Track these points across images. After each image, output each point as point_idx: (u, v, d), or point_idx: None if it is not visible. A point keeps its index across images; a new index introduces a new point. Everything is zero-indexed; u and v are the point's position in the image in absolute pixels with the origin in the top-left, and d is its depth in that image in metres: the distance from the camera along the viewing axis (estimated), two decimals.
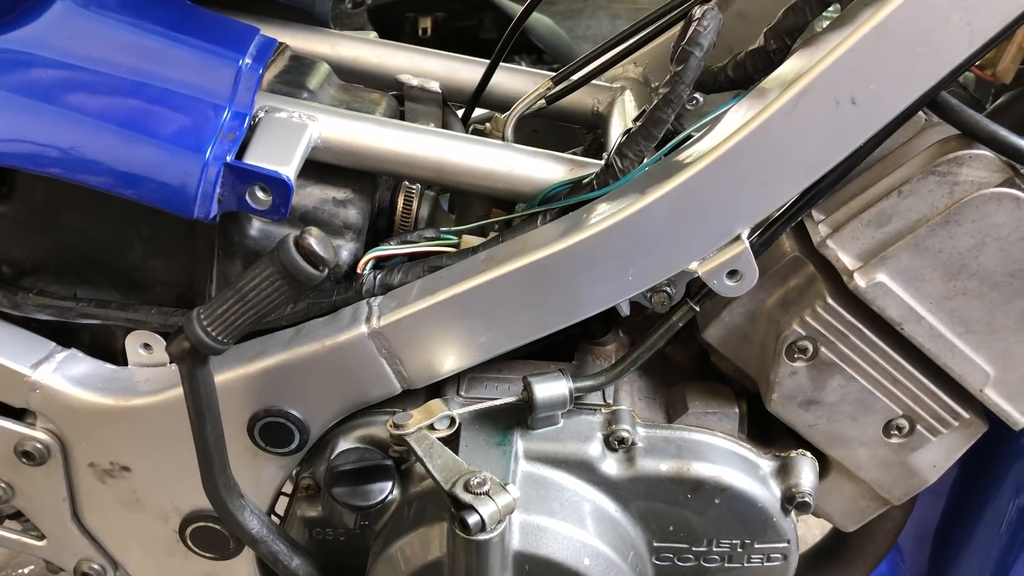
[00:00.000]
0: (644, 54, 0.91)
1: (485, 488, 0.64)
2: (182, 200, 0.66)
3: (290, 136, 0.71)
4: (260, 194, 0.68)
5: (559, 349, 0.81)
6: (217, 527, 0.80)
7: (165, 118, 0.66)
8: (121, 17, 0.68)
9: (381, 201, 0.82)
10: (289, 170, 0.68)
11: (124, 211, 0.74)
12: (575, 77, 0.82)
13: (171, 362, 0.64)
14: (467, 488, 0.64)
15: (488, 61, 0.89)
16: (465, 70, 0.91)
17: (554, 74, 0.84)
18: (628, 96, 0.89)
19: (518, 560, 0.69)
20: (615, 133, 0.84)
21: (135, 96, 0.66)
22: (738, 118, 0.66)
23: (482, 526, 0.63)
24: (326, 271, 0.60)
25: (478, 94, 0.89)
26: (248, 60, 0.69)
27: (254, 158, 0.68)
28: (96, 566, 0.86)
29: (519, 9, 2.43)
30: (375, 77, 0.89)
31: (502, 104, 0.90)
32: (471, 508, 0.63)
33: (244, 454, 0.76)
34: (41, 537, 0.85)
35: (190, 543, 0.82)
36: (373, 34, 0.94)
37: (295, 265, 0.59)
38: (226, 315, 0.61)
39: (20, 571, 1.51)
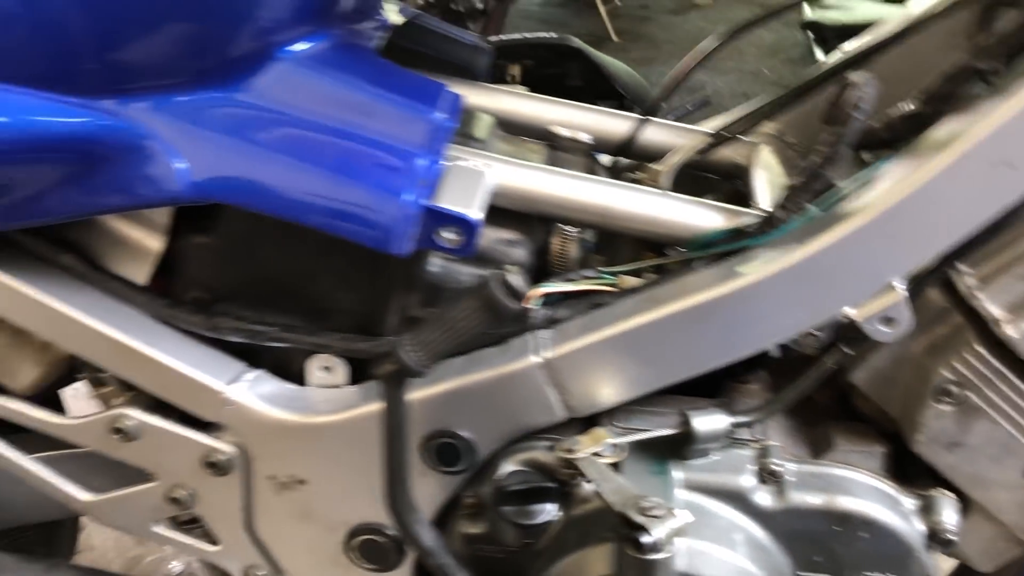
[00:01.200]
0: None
1: (657, 512, 0.69)
2: (384, 237, 0.73)
3: (472, 182, 0.78)
4: (449, 234, 0.75)
5: (698, 386, 0.86)
6: (381, 540, 0.86)
7: (372, 164, 0.73)
8: (331, 74, 0.76)
9: (536, 242, 0.89)
10: (475, 212, 0.75)
11: (317, 246, 0.82)
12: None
13: (378, 380, 0.70)
14: (640, 511, 0.69)
15: (636, 116, 0.95)
16: (611, 123, 0.97)
17: (708, 130, 0.90)
18: (766, 150, 0.95)
19: None
20: (759, 184, 0.89)
21: (346, 144, 0.73)
22: (895, 176, 0.72)
23: (654, 547, 0.68)
24: (521, 306, 0.67)
25: (628, 144, 0.95)
26: (440, 113, 0.77)
27: (444, 202, 0.75)
28: (262, 573, 0.93)
29: (603, 57, 2.50)
30: (528, 128, 0.97)
31: (645, 155, 0.97)
32: (645, 530, 0.68)
33: (414, 473, 0.82)
34: (214, 542, 0.92)
35: (355, 555, 0.88)
36: (524, 88, 1.01)
37: (498, 301, 0.65)
38: (430, 343, 0.68)
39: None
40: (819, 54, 3.79)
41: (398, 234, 0.73)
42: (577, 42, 2.83)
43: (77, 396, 0.97)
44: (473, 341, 0.79)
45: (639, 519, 0.68)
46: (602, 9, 5.27)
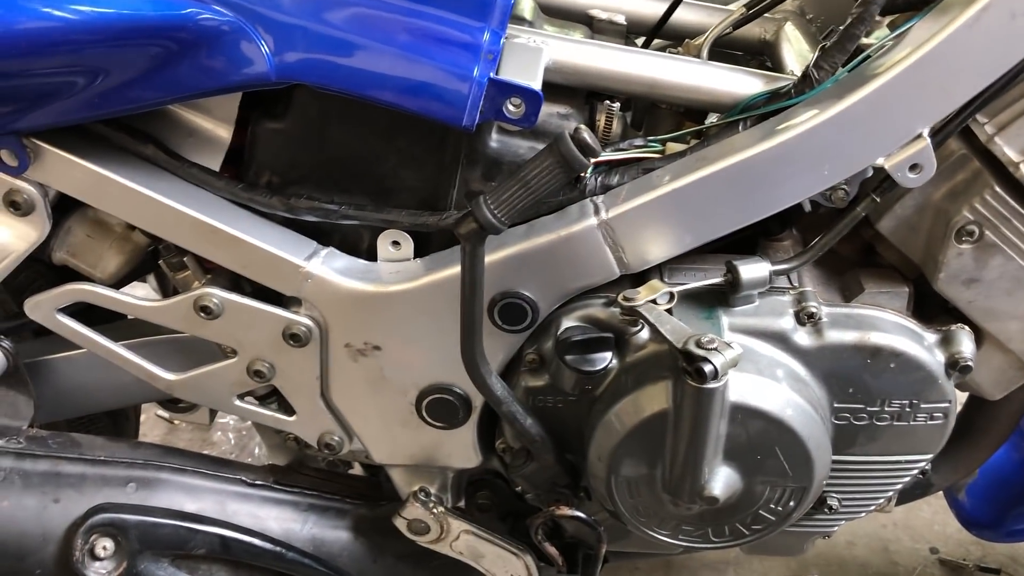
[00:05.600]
0: None
1: (714, 345, 0.77)
2: (454, 111, 0.79)
3: (531, 58, 0.84)
4: (512, 106, 0.81)
5: (737, 248, 0.94)
6: (450, 399, 0.94)
7: (441, 42, 0.79)
8: None
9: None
10: (538, 84, 0.81)
11: (384, 126, 0.88)
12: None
13: (458, 239, 0.77)
14: (699, 345, 0.77)
15: None
16: (645, 5, 1.03)
17: (734, 7, 0.96)
18: (790, 26, 1.01)
19: (732, 410, 0.82)
20: (787, 55, 0.96)
21: (417, 23, 0.78)
22: (923, 33, 0.78)
23: (715, 374, 0.76)
24: (592, 162, 0.73)
25: (660, 25, 1.01)
26: None
27: (507, 75, 0.81)
28: (336, 438, 1.00)
29: None
30: (567, 12, 1.02)
31: (676, 35, 1.03)
32: (705, 360, 0.76)
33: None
34: (291, 413, 1.00)
35: (424, 414, 0.96)
36: None
37: (572, 154, 0.72)
38: (509, 200, 0.74)
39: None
40: None
41: (467, 107, 0.79)
42: None
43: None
44: (545, 200, 0.85)
45: (699, 352, 0.76)
46: None
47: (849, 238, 0.94)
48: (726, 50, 1.05)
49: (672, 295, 0.84)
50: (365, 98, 0.80)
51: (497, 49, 0.81)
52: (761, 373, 0.84)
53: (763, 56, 1.03)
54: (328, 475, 1.12)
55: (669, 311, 0.85)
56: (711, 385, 0.77)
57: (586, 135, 0.72)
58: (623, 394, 0.86)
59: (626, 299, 0.83)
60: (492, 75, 0.80)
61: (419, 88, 0.79)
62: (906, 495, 1.14)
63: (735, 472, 0.85)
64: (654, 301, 0.84)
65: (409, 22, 0.79)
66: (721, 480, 0.84)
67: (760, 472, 0.85)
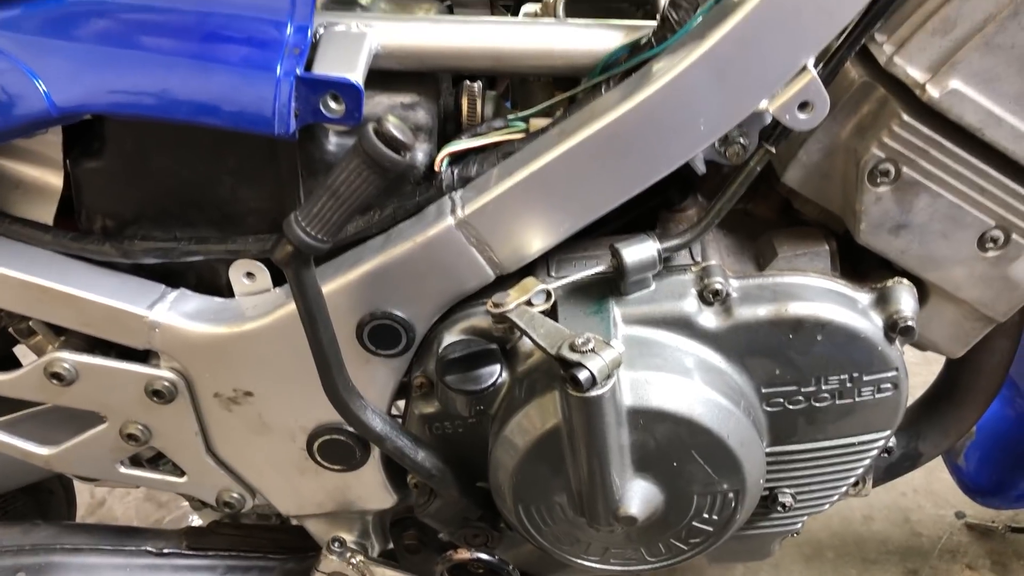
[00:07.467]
0: None
1: (590, 346, 0.66)
2: (261, 119, 0.69)
3: (351, 45, 0.73)
4: (332, 103, 0.70)
5: (641, 225, 0.82)
6: (342, 438, 0.84)
7: (233, 43, 0.69)
8: None
9: (446, 107, 0.84)
10: (356, 75, 0.70)
11: (209, 146, 0.78)
12: None
13: (278, 266, 0.67)
14: (573, 348, 0.66)
15: None
16: None
17: None
18: None
19: (632, 416, 0.71)
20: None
21: (202, 27, 0.69)
22: None
23: (593, 381, 0.65)
24: (408, 156, 0.63)
25: None
26: None
27: (321, 69, 0.70)
28: (236, 495, 0.91)
29: None
30: None
31: None
32: (580, 365, 0.65)
33: (356, 361, 0.79)
34: (181, 474, 0.91)
35: (319, 458, 0.86)
36: None
37: (378, 152, 0.61)
38: (322, 213, 0.64)
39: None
40: None
41: (276, 112, 0.69)
42: None
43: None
44: (380, 218, 0.76)
45: (572, 356, 0.65)
46: None
47: (763, 197, 0.82)
48: (611, 3, 0.93)
49: (548, 293, 0.73)
50: (164, 120, 0.70)
51: (304, 41, 0.71)
52: (663, 368, 0.72)
53: (648, 4, 0.91)
54: (250, 530, 1.03)
55: (552, 310, 0.74)
56: (593, 393, 0.65)
57: (391, 127, 0.61)
58: (516, 410, 0.75)
59: (496, 304, 0.72)
60: (299, 71, 0.69)
61: (218, 99, 0.69)
62: (892, 471, 1.02)
63: (652, 484, 0.74)
64: (529, 303, 0.73)
65: (194, 26, 0.69)
66: (637, 496, 0.73)
67: (681, 481, 0.74)
